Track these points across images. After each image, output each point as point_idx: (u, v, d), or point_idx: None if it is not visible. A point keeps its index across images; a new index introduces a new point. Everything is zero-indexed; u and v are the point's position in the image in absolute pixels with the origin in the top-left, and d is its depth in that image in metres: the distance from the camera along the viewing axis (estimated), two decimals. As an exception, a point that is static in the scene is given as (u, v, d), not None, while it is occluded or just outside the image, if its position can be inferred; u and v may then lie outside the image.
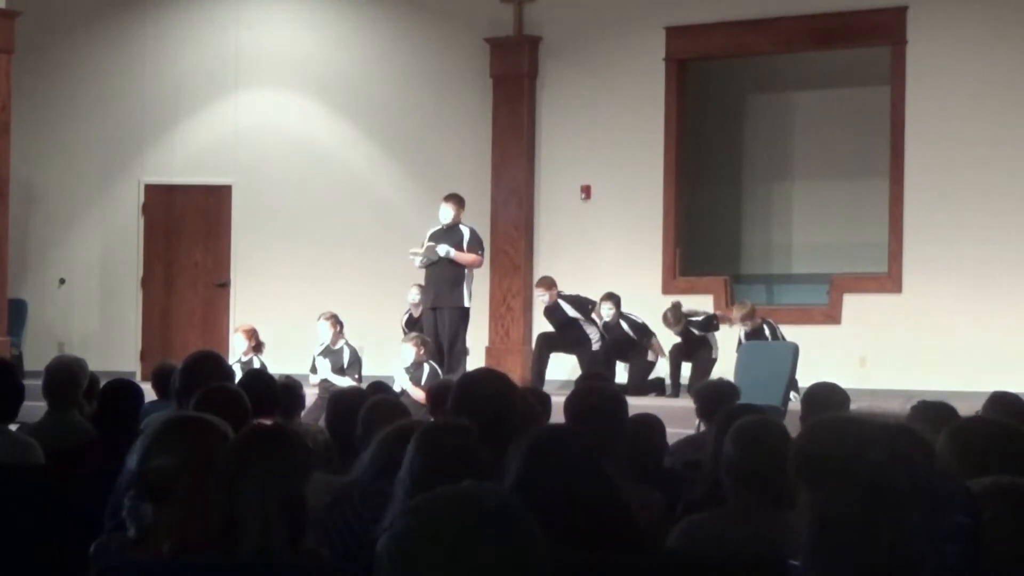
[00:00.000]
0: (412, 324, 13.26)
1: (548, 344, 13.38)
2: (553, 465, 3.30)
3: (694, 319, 13.10)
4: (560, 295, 13.23)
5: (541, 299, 13.37)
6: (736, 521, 3.89)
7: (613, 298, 13.19)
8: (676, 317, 13.00)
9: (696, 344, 13.04)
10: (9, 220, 13.82)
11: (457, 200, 12.68)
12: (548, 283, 13.35)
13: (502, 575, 1.80)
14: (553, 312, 13.27)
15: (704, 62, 15.06)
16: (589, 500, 3.27)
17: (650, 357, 13.22)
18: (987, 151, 13.34)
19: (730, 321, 12.86)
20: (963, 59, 13.45)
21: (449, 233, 12.57)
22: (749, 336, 12.69)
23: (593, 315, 13.18)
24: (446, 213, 12.60)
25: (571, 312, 13.14)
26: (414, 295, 13.32)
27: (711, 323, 13.10)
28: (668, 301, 13.31)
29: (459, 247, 12.47)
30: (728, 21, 14.38)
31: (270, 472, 3.08)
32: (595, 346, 13.10)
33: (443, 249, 12.38)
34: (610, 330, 13.15)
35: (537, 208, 15.15)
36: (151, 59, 15.78)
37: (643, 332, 13.19)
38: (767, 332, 12.68)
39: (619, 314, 13.13)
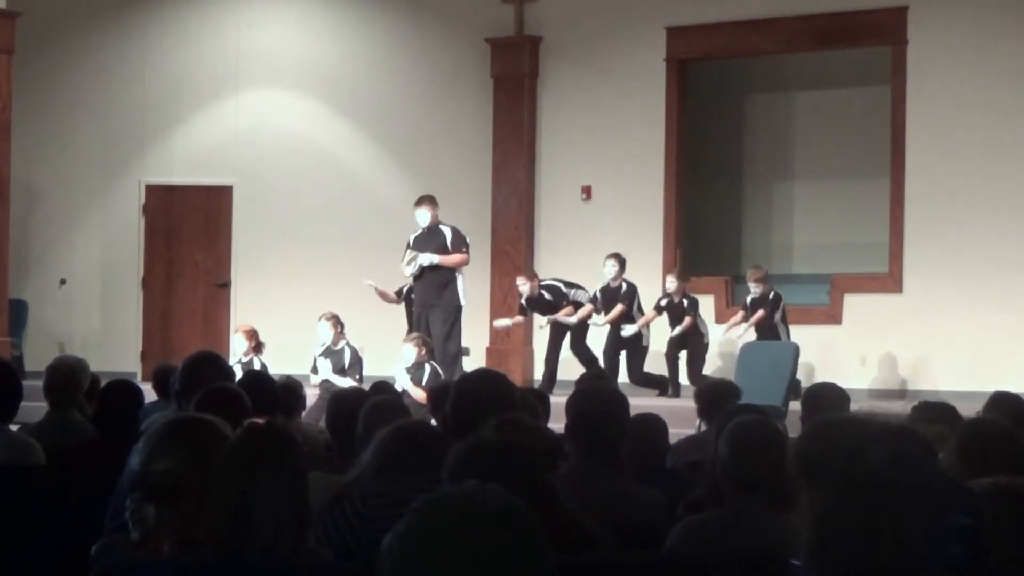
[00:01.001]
0: (411, 294, 13.29)
1: (555, 342, 13.37)
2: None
3: (691, 295, 13.20)
4: (540, 284, 13.26)
5: (523, 287, 13.35)
6: (734, 522, 3.89)
7: (618, 257, 13.22)
8: (681, 275, 13.23)
9: (692, 330, 13.08)
10: (10, 220, 13.83)
11: (431, 201, 12.67)
12: (530, 273, 13.47)
13: (504, 575, 1.80)
14: (534, 301, 13.28)
15: (705, 62, 15.06)
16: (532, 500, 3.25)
17: (644, 341, 13.23)
18: (988, 150, 13.34)
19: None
20: (963, 59, 13.45)
21: (431, 236, 12.56)
22: (756, 302, 12.82)
23: (575, 292, 13.20)
24: (423, 216, 12.60)
25: (548, 296, 13.16)
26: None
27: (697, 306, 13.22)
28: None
29: (443, 248, 12.46)
30: (729, 21, 14.39)
31: (280, 470, 3.10)
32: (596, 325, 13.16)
33: (426, 259, 12.39)
34: (606, 292, 13.17)
35: (538, 208, 15.16)
36: (151, 59, 15.78)
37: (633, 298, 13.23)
38: (771, 297, 12.79)
39: (621, 275, 13.14)
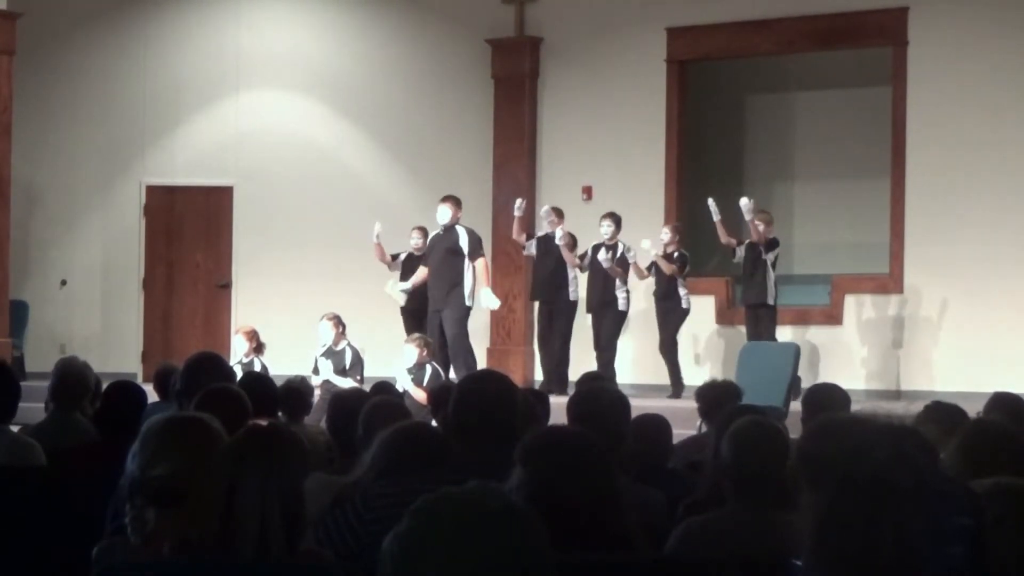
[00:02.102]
0: (409, 262, 13.29)
1: (546, 335, 13.38)
2: (565, 467, 3.29)
3: (684, 251, 13.18)
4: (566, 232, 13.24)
5: (548, 221, 13.25)
6: (735, 523, 3.89)
7: (613, 216, 13.19)
8: (678, 228, 13.29)
9: (668, 292, 13.07)
10: (10, 221, 13.83)
11: (454, 201, 12.69)
12: (561, 213, 13.31)
13: (505, 575, 1.80)
14: (548, 242, 13.19)
15: (705, 63, 15.06)
16: (595, 500, 3.26)
17: (620, 306, 13.16)
18: (988, 151, 13.34)
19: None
20: (964, 60, 13.45)
21: (446, 234, 12.61)
22: (751, 248, 12.78)
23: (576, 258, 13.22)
24: (444, 214, 12.65)
25: (560, 244, 13.07)
26: (416, 239, 13.38)
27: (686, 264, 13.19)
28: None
29: (455, 247, 12.50)
30: (729, 22, 14.39)
31: (267, 472, 3.09)
32: (571, 296, 13.17)
33: (492, 303, 12.64)
34: (599, 251, 13.14)
35: (539, 208, 15.14)
36: (152, 60, 15.78)
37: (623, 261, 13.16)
38: (769, 238, 12.76)
39: (616, 235, 13.11)
